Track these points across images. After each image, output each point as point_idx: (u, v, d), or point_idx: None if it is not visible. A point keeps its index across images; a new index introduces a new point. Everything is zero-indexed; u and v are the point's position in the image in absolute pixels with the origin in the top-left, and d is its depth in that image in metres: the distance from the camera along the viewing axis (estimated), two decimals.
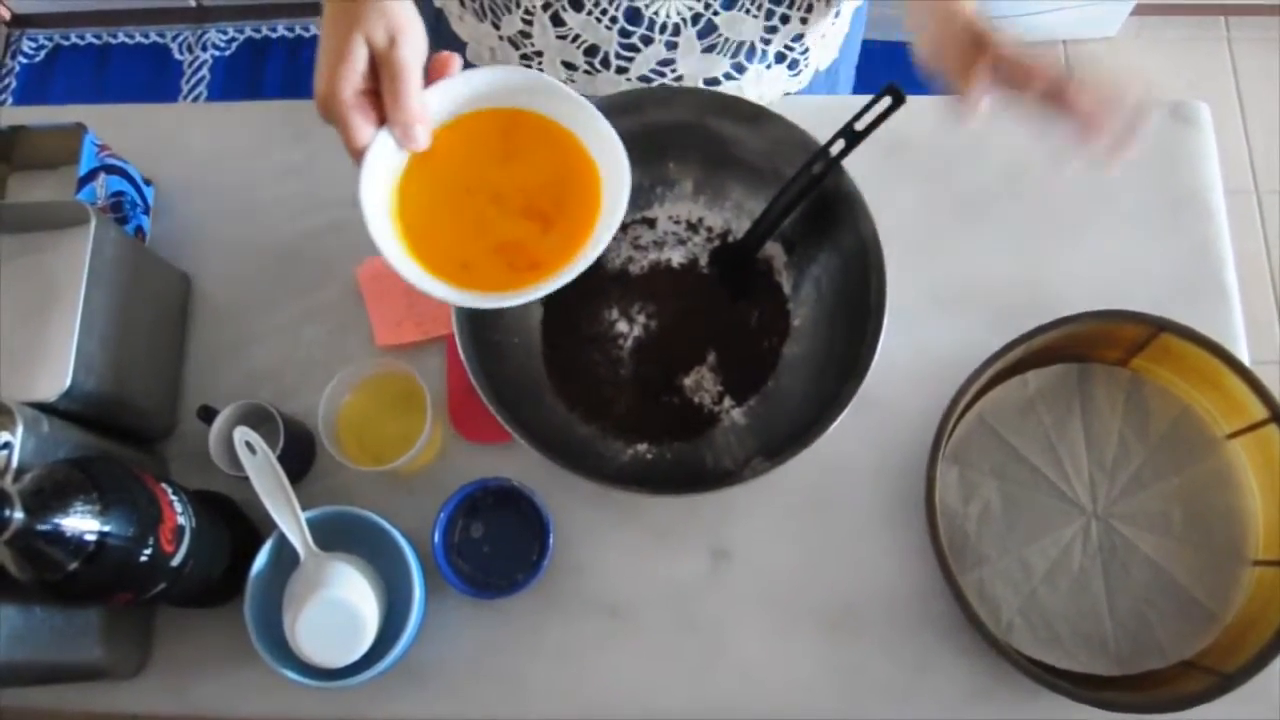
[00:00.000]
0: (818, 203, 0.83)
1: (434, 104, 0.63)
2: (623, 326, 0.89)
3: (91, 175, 0.87)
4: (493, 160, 0.66)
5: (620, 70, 0.89)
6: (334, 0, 0.62)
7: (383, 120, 0.62)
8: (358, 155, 0.61)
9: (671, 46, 0.86)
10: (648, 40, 0.85)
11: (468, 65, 0.97)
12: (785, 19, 0.86)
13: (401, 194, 0.65)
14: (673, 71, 0.89)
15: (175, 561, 0.71)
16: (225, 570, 0.79)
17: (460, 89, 0.64)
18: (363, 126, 0.61)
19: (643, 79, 0.90)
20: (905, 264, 0.82)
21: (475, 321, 0.81)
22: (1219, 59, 2.06)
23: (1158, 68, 2.05)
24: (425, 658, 0.82)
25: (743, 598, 0.84)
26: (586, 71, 0.90)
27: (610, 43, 0.86)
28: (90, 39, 2.16)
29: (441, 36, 1.00)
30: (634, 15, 0.83)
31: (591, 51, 0.87)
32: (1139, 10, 1.99)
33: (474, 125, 0.65)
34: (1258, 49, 2.05)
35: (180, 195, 0.96)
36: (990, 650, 0.76)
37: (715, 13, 0.84)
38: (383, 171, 0.63)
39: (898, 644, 0.83)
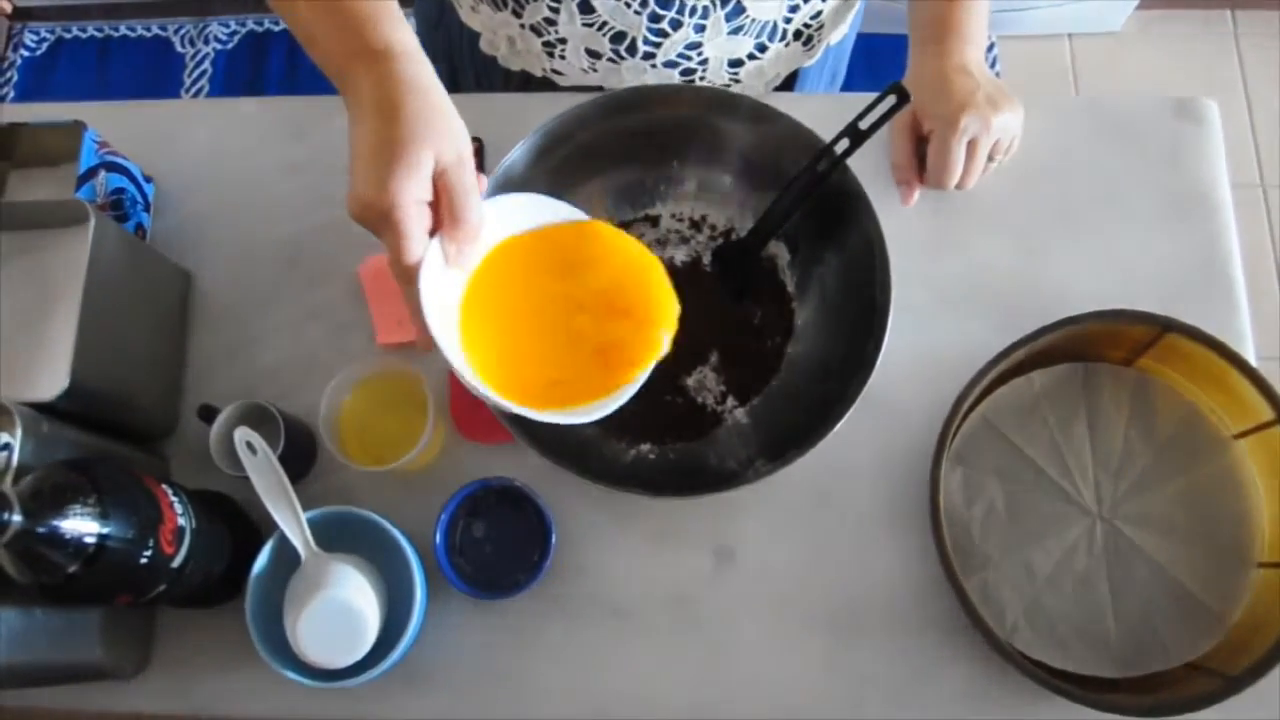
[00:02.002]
0: (822, 201, 0.82)
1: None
2: None
3: (91, 173, 0.86)
4: (556, 273, 0.67)
5: (647, 56, 0.88)
6: (379, 108, 0.59)
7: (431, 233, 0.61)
8: (411, 268, 0.59)
9: (700, 30, 0.85)
10: (677, 24, 0.85)
11: (483, 59, 0.96)
12: None
13: (468, 322, 0.65)
14: (699, 55, 0.88)
15: (175, 563, 0.71)
16: (226, 571, 0.79)
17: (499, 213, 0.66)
18: (421, 239, 0.59)
19: (669, 64, 0.89)
20: (910, 263, 0.82)
21: None
22: (1225, 53, 2.05)
23: (1163, 62, 2.04)
24: (426, 658, 0.82)
25: (746, 599, 0.84)
26: (611, 60, 0.89)
27: (639, 28, 0.85)
28: (92, 32, 2.16)
29: (447, 28, 0.99)
30: None
31: (618, 38, 0.87)
32: (1144, 4, 1.98)
33: (521, 247, 0.67)
34: (1264, 43, 2.04)
35: (181, 192, 0.96)
36: (994, 652, 0.76)
37: None
38: (438, 289, 0.62)
39: (901, 645, 0.82)
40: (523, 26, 0.89)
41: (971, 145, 0.78)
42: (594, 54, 0.89)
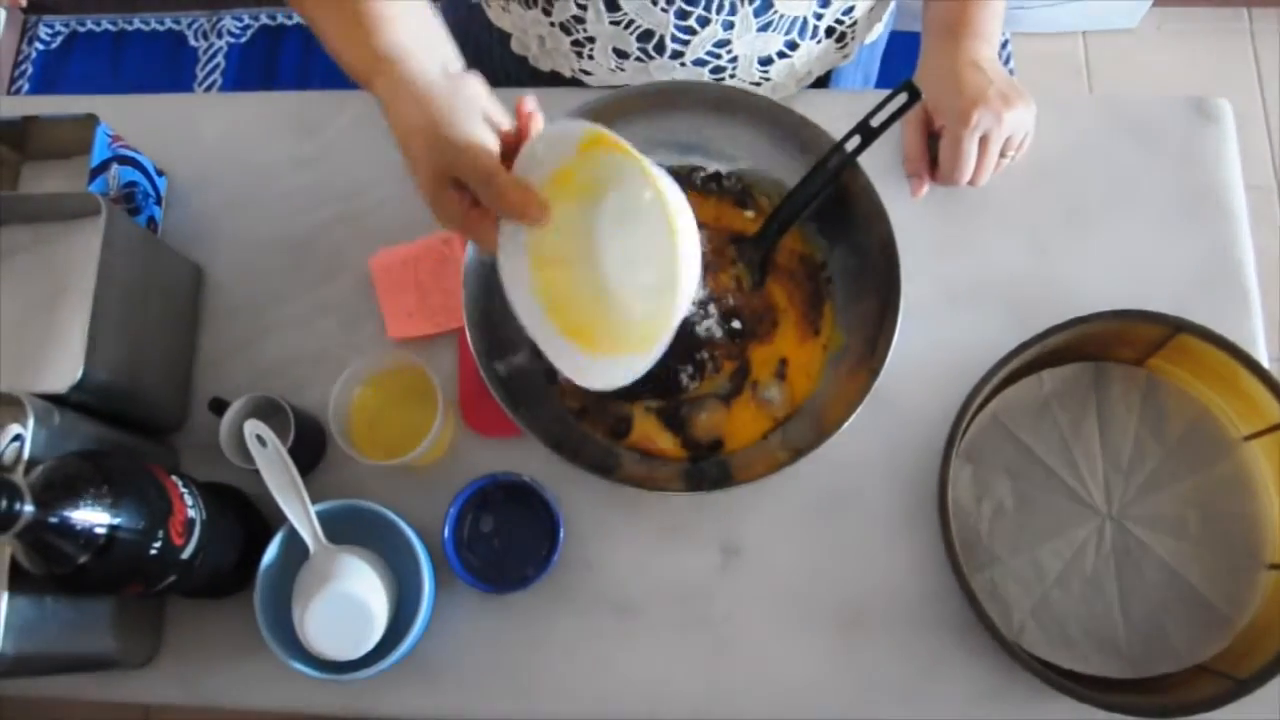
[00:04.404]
0: (833, 199, 0.82)
1: (531, 177, 0.65)
2: None
3: (104, 166, 0.87)
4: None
5: (675, 55, 0.88)
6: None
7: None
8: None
9: (728, 27, 0.85)
10: (705, 21, 0.84)
11: (514, 61, 0.96)
12: None
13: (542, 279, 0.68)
14: (728, 52, 0.88)
15: (185, 554, 0.71)
16: (235, 562, 0.79)
17: (535, 153, 0.66)
18: (490, 230, 0.67)
19: (698, 62, 0.89)
20: (921, 261, 0.82)
21: (486, 316, 0.80)
22: (1241, 52, 2.04)
23: (1178, 60, 2.03)
24: (434, 652, 0.82)
25: (753, 595, 0.84)
26: (639, 59, 0.89)
27: (666, 26, 0.85)
28: (106, 25, 2.16)
29: (475, 31, 0.99)
30: None
31: (645, 37, 0.86)
32: (1160, 1, 1.97)
33: (566, 182, 0.66)
34: None
35: (193, 186, 0.96)
36: (1001, 651, 0.76)
37: None
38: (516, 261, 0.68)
39: (908, 644, 0.82)
40: (552, 25, 0.89)
41: (983, 141, 0.78)
42: (622, 54, 0.89)
